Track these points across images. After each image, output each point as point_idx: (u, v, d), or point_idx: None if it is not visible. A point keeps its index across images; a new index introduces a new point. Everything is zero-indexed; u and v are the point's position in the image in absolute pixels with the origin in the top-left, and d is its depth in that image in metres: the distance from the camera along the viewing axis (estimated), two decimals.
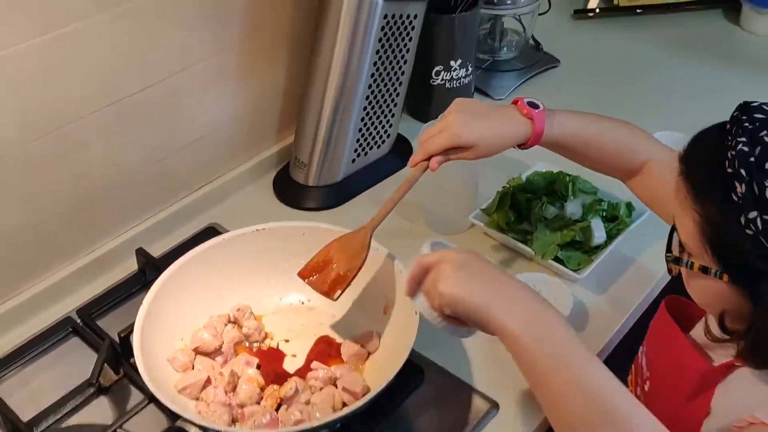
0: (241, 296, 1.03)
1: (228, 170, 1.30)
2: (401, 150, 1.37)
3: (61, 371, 1.03)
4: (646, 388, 0.90)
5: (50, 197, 1.06)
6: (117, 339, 1.00)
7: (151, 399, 0.93)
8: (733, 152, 0.66)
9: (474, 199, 1.21)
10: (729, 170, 0.66)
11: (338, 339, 1.00)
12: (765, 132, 0.66)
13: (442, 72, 1.39)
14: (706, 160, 0.69)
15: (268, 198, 1.31)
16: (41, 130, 1.00)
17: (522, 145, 0.98)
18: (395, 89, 1.29)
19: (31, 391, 1.01)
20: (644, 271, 1.15)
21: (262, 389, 0.91)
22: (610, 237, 1.14)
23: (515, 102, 0.98)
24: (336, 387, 0.91)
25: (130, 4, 1.02)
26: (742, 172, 0.65)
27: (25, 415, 0.95)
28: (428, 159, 0.96)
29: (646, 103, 1.49)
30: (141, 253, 1.13)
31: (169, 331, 0.96)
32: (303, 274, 0.96)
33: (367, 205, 1.28)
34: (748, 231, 0.65)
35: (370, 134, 1.30)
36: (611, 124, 1.01)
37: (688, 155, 0.72)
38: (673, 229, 0.75)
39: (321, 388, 0.91)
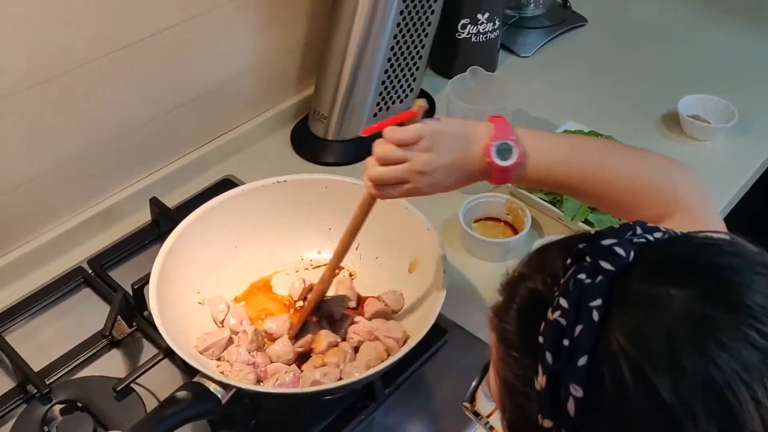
0: (260, 251, 0.99)
1: (245, 121, 1.25)
2: None
3: (71, 322, 0.99)
4: None
5: (59, 144, 1.01)
6: (130, 291, 0.96)
7: (167, 354, 0.89)
8: (549, 318, 0.44)
9: None
10: (540, 340, 0.44)
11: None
12: (598, 300, 0.43)
13: (469, 25, 1.33)
14: (521, 306, 0.48)
15: (285, 151, 1.27)
16: (47, 74, 0.95)
17: None
18: (421, 41, 1.24)
19: (40, 342, 0.97)
20: None
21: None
22: None
23: (492, 119, 0.75)
24: (377, 339, 0.88)
25: None
26: (548, 357, 0.44)
27: (35, 365, 0.92)
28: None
29: (676, 66, 1.44)
30: (155, 203, 1.09)
31: (184, 283, 0.92)
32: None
33: None
34: None
35: (393, 88, 1.25)
36: (620, 161, 0.76)
37: (506, 287, 0.50)
38: (487, 368, 0.54)
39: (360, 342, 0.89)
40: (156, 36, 1.04)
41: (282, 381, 0.81)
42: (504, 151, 0.74)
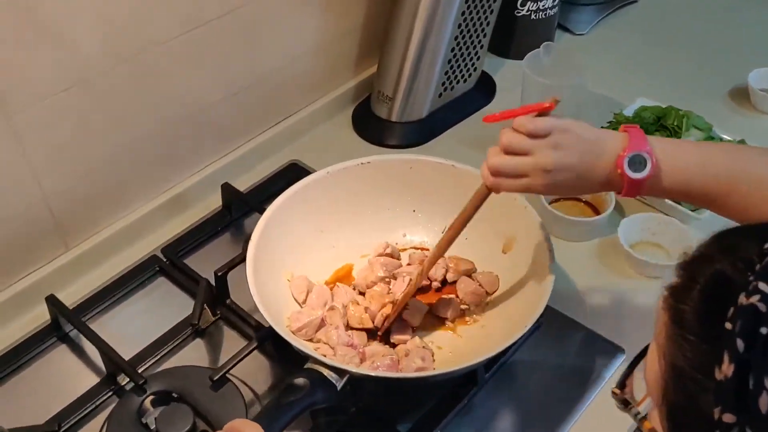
0: (345, 235, 0.96)
1: (306, 104, 1.22)
2: (485, 86, 1.30)
3: (148, 312, 0.97)
4: None
5: (131, 128, 0.98)
6: (211, 278, 0.93)
7: (260, 341, 0.86)
8: (742, 302, 0.42)
9: None
10: (727, 325, 0.42)
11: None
12: None
13: (529, 2, 1.30)
14: (705, 287, 0.45)
15: (347, 134, 1.24)
16: (122, 56, 0.92)
17: None
18: (486, 18, 1.21)
19: (118, 332, 0.94)
20: None
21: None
22: None
23: (626, 129, 0.73)
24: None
25: None
26: (739, 344, 0.41)
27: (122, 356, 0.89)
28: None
29: (742, 38, 1.40)
30: (227, 189, 1.06)
31: (275, 269, 0.89)
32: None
33: (452, 144, 1.21)
34: None
35: (459, 67, 1.22)
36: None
37: (686, 267, 0.47)
38: (643, 353, 0.52)
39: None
40: (225, 17, 1.01)
41: (381, 364, 0.78)
42: (637, 163, 0.71)
